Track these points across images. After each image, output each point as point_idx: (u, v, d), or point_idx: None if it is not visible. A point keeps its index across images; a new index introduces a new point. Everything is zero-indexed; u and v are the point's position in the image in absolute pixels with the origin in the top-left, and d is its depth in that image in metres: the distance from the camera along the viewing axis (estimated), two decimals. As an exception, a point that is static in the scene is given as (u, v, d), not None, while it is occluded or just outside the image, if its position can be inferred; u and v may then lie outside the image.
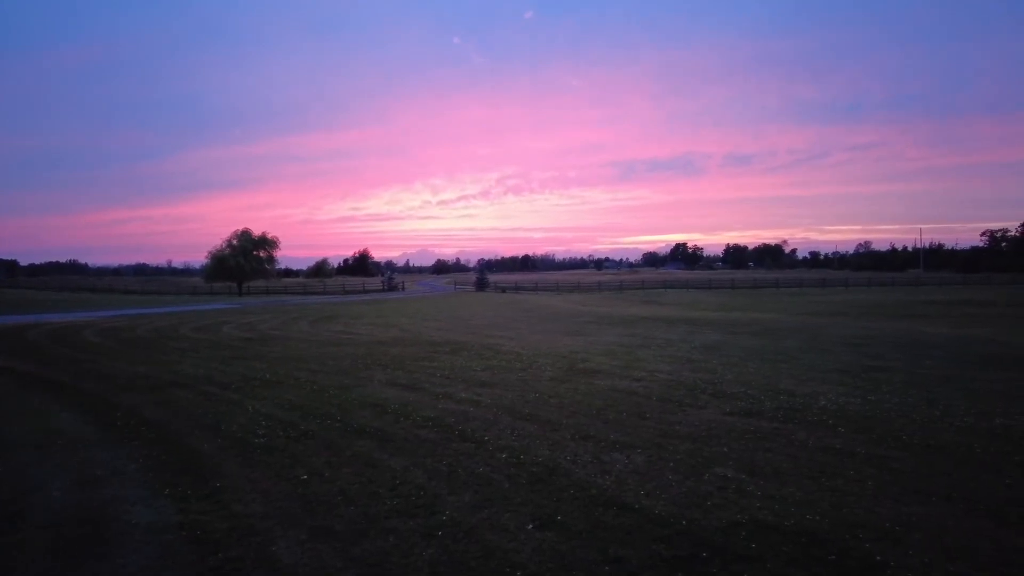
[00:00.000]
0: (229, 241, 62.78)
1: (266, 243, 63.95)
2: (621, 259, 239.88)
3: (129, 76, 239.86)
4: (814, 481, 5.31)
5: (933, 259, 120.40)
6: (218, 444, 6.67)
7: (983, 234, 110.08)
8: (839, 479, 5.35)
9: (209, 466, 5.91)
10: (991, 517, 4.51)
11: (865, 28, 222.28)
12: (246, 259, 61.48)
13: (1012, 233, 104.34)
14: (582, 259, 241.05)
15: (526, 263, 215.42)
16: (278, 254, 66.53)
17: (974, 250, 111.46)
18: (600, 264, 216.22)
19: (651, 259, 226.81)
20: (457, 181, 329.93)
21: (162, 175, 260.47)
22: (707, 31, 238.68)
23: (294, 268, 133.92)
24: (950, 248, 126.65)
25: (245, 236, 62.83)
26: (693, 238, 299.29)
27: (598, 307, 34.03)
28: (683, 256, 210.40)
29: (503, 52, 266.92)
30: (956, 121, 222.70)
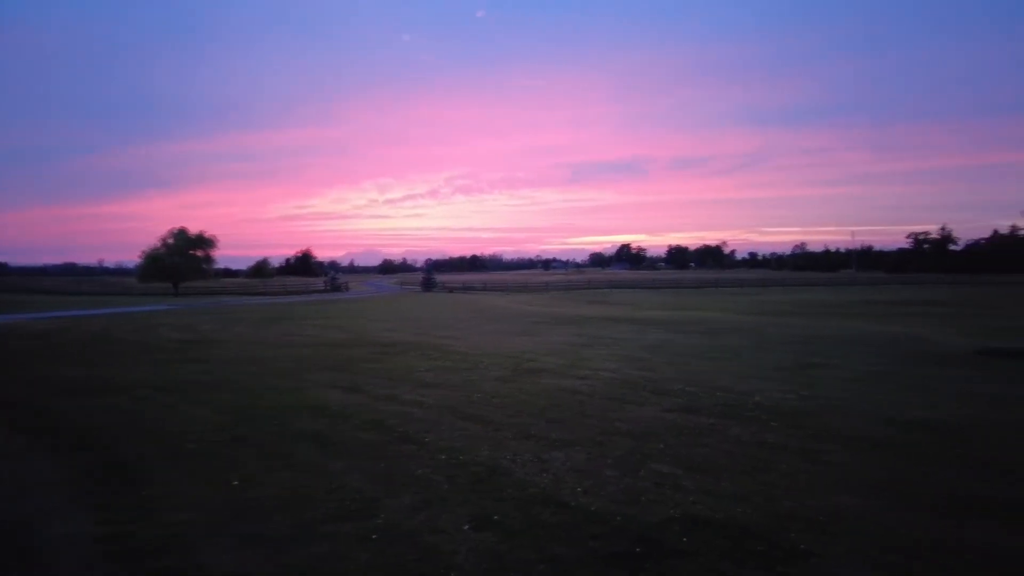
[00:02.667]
0: (164, 240, 60.51)
1: (204, 242, 61.87)
2: (568, 259, 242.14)
3: (59, 67, 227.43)
4: (748, 475, 5.46)
5: (864, 260, 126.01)
6: (149, 450, 6.40)
7: (908, 236, 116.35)
8: (772, 473, 5.52)
9: (138, 473, 5.67)
10: (912, 505, 4.74)
11: (806, 37, 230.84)
12: (183, 259, 59.36)
13: (933, 236, 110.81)
14: (530, 259, 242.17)
15: (474, 263, 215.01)
16: (217, 253, 64.50)
17: (901, 252, 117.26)
18: (548, 264, 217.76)
19: (598, 259, 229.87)
20: (406, 180, 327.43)
21: (95, 171, 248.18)
22: (654, 36, 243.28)
23: (234, 268, 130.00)
24: (880, 250, 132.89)
25: (181, 235, 60.66)
26: (639, 239, 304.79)
27: (545, 307, 34.24)
28: (628, 257, 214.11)
29: (454, 51, 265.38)
30: (890, 129, 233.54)
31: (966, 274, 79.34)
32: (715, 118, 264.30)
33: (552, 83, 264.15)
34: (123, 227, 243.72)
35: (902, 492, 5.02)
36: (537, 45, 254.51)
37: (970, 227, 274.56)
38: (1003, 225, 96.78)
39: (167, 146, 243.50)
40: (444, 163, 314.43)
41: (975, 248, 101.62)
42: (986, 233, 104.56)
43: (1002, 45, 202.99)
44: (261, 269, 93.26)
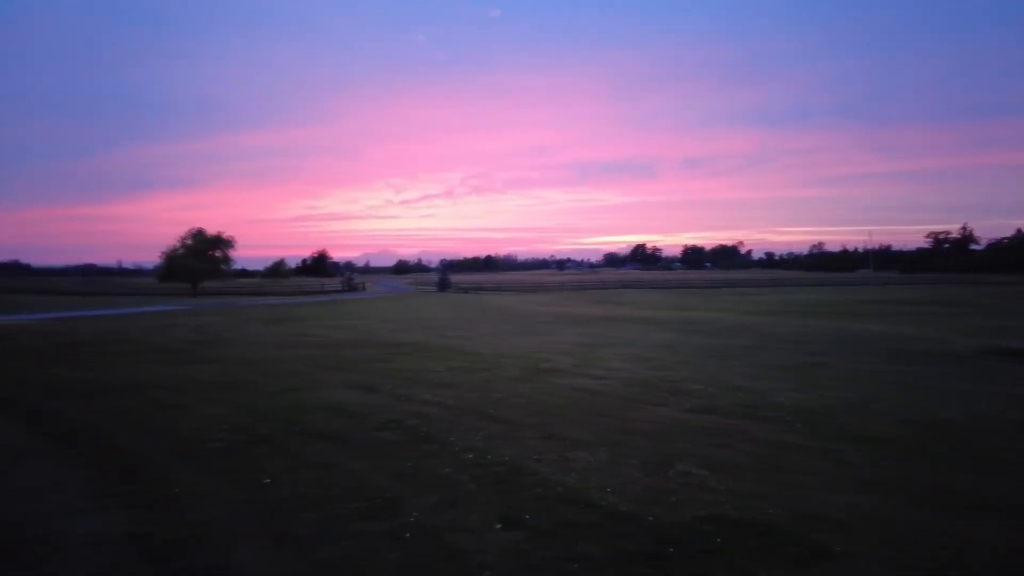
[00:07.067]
0: (183, 241, 60.95)
1: (221, 243, 62.20)
2: (582, 260, 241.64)
3: (74, 66, 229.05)
4: (772, 475, 5.43)
5: (881, 260, 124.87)
6: (169, 450, 6.46)
7: (928, 236, 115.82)
8: (795, 473, 5.50)
9: (160, 473, 5.72)
10: (928, 504, 4.75)
11: (813, 35, 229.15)
12: (200, 259, 59.76)
13: (953, 235, 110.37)
14: (544, 259, 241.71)
15: (488, 263, 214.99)
16: (233, 254, 64.85)
17: (919, 251, 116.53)
18: (562, 265, 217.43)
19: (611, 260, 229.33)
20: (419, 180, 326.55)
21: (110, 170, 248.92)
22: (658, 34, 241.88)
23: (250, 268, 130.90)
24: (897, 250, 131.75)
25: (199, 236, 61.06)
26: (652, 239, 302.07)
27: (559, 307, 34.21)
28: (642, 257, 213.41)
29: (466, 50, 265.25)
30: (898, 129, 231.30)
31: (988, 273, 78.29)
32: (718, 117, 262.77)
33: (559, 82, 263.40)
34: (134, 228, 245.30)
35: (917, 492, 5.03)
36: (545, 44, 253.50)
37: (992, 226, 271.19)
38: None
39: (177, 145, 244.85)
40: (457, 163, 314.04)
41: (997, 247, 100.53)
42: (1009, 232, 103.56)
43: (1011, 45, 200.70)
44: (277, 269, 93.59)
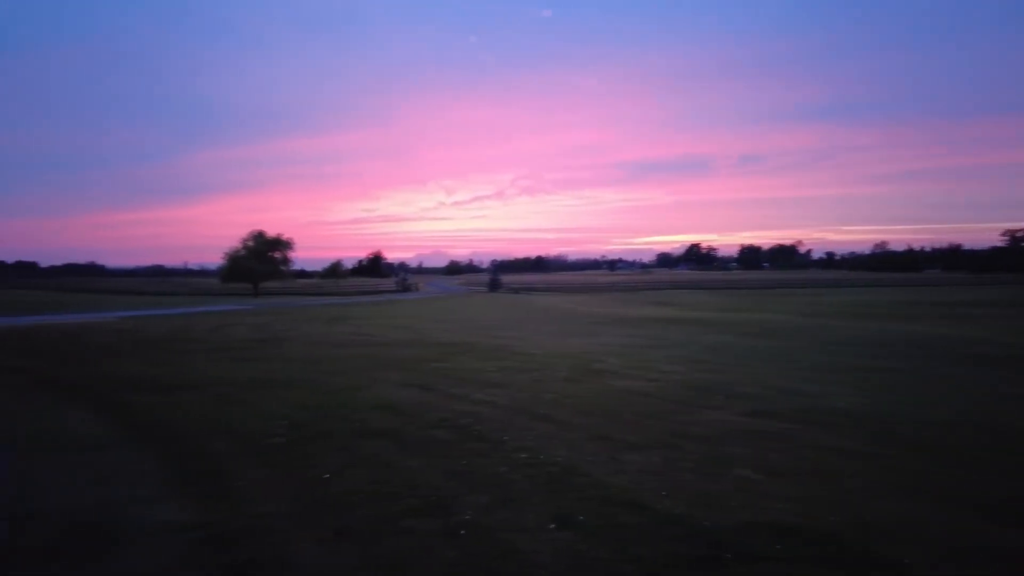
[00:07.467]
0: (244, 242, 63.17)
1: (281, 244, 64.22)
2: (634, 260, 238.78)
3: (136, 74, 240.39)
4: (830, 481, 5.27)
5: (950, 259, 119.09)
6: (233, 444, 6.71)
7: (1003, 234, 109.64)
8: (855, 479, 5.33)
9: (225, 466, 5.94)
10: (992, 515, 4.54)
11: (877, 27, 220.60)
12: (261, 260, 61.79)
13: None
14: (595, 260, 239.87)
15: (539, 264, 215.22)
16: (292, 255, 66.79)
17: (992, 250, 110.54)
18: (613, 265, 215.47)
19: (665, 260, 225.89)
20: (471, 182, 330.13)
21: (170, 176, 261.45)
22: (714, 31, 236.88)
23: (308, 269, 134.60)
24: (968, 249, 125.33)
25: (259, 238, 63.13)
26: (708, 239, 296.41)
27: (611, 308, 33.96)
28: (697, 257, 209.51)
29: (514, 51, 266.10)
30: (971, 122, 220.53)
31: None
32: (775, 113, 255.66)
33: (610, 80, 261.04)
34: (198, 230, 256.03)
35: (981, 502, 4.82)
36: (596, 43, 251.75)
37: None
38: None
39: (240, 150, 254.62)
40: (508, 164, 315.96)
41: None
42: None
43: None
44: (335, 270, 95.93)
